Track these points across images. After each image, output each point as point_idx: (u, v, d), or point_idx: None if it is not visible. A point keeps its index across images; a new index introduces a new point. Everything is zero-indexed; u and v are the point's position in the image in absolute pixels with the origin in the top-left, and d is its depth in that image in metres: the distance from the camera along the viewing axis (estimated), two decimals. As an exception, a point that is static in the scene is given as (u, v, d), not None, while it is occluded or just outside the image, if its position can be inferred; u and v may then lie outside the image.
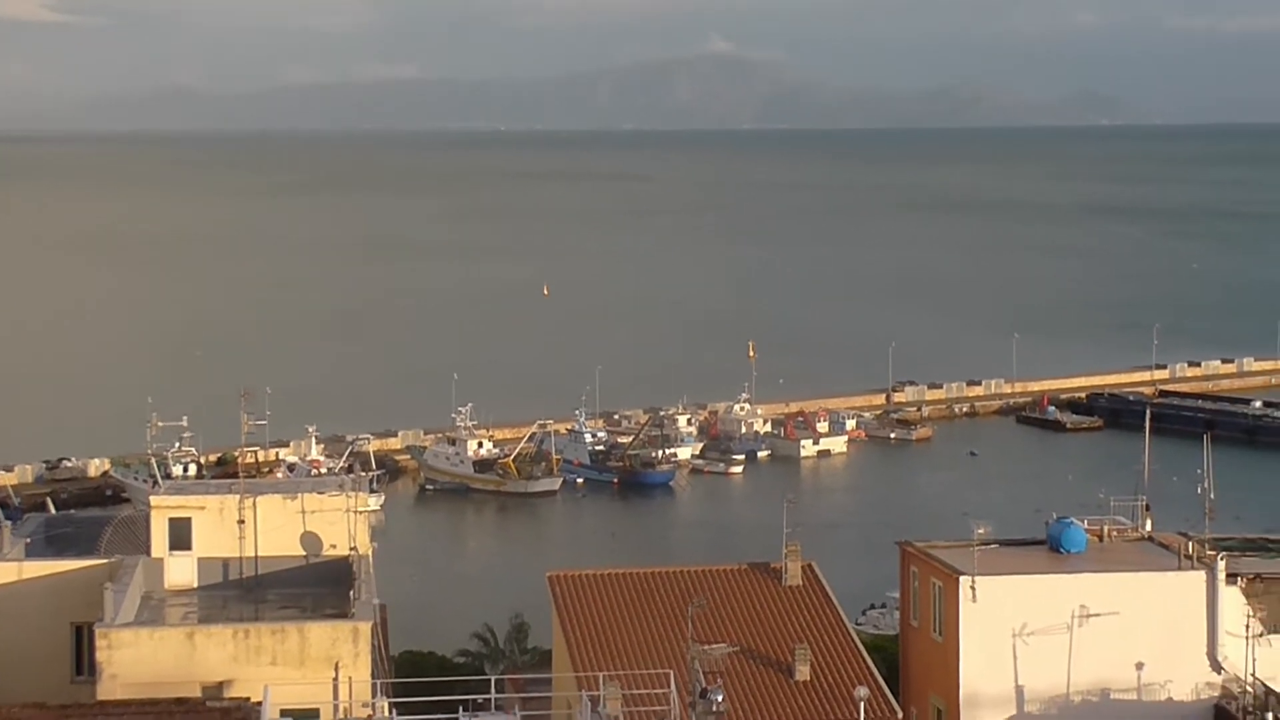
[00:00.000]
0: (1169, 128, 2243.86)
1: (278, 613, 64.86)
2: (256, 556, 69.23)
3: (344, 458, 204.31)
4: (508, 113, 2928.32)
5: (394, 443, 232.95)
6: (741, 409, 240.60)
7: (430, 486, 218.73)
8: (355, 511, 69.24)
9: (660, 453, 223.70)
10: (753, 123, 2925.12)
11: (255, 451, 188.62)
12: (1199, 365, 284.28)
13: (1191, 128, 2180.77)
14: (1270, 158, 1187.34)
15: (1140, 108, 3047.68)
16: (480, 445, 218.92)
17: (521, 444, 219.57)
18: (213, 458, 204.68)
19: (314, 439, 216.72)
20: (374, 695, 58.95)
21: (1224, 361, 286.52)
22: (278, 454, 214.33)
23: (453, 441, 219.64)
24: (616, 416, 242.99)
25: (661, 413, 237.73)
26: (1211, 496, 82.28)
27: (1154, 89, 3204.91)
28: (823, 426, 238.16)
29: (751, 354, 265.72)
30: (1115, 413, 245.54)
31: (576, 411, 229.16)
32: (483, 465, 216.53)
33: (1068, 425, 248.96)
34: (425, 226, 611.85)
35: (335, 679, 57.92)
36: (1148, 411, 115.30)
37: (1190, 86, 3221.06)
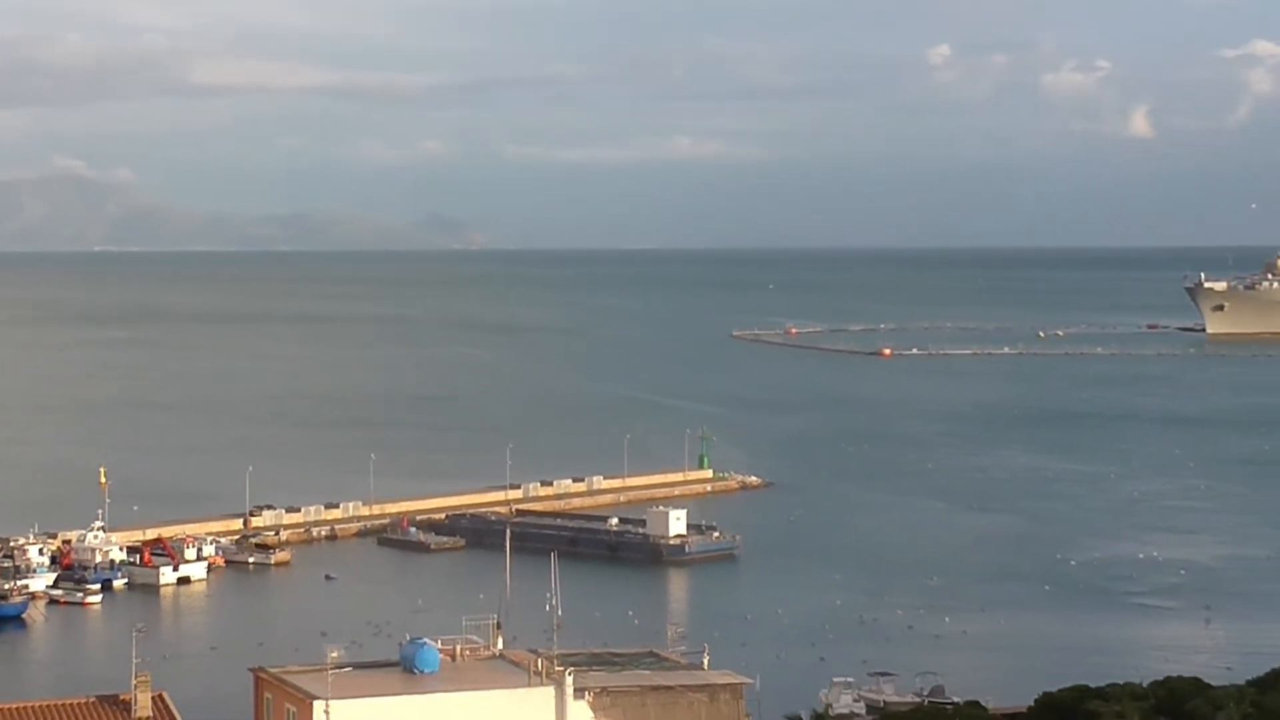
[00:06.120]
0: (510, 252, 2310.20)
1: None
2: None
3: None
4: None
5: None
6: (95, 537, 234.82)
7: None
8: None
9: (11, 584, 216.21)
10: (104, 244, 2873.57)
11: None
12: (551, 484, 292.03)
13: (533, 252, 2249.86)
14: (617, 281, 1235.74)
15: (487, 231, 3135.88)
16: None
17: None
18: None
19: None
20: None
21: (575, 480, 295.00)
22: None
23: None
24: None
25: (11, 543, 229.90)
26: (560, 614, 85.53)
27: (499, 214, 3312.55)
28: (191, 553, 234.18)
29: (103, 480, 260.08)
30: (478, 532, 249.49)
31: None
32: None
33: (431, 546, 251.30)
34: None
35: None
36: (508, 531, 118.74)
37: (531, 212, 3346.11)
